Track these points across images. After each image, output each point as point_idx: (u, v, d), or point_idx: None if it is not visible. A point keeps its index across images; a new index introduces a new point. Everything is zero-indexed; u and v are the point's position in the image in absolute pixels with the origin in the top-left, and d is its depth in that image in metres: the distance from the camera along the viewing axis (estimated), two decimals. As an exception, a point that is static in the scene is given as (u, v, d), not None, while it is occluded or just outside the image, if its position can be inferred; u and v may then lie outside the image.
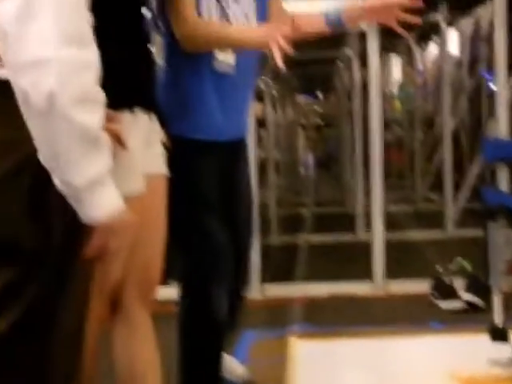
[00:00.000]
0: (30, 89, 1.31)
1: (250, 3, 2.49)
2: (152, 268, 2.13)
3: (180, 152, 2.34)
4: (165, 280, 2.42)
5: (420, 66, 9.23)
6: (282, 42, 2.24)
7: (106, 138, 1.39)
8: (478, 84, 7.75)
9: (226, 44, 2.43)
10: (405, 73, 10.36)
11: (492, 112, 5.50)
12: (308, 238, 6.61)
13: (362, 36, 5.42)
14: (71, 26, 1.33)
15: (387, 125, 9.39)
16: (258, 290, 4.56)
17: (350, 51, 7.37)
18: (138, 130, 1.99)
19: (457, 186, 6.79)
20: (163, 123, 2.15)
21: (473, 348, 3.41)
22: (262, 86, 6.96)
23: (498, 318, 3.26)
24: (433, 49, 9.11)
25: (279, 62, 2.25)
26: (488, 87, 7.53)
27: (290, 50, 2.25)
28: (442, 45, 7.03)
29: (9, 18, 1.32)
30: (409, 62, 9.46)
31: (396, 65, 11.11)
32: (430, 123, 8.98)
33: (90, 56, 1.35)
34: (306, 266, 5.53)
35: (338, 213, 7.95)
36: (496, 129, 4.61)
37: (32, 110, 1.33)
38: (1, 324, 1.37)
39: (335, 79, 9.70)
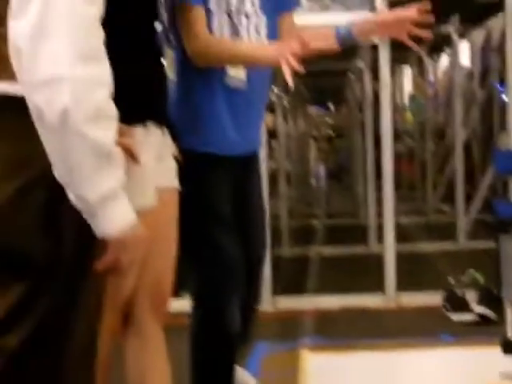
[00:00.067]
0: (44, 106, 1.32)
1: (260, 19, 2.50)
2: (164, 281, 2.13)
3: (191, 166, 2.35)
4: (177, 292, 2.43)
5: (431, 78, 9.24)
6: (292, 60, 2.26)
7: (119, 153, 1.40)
8: (489, 95, 7.74)
9: (237, 61, 2.44)
10: (416, 84, 10.36)
11: (504, 123, 5.49)
12: (319, 250, 6.60)
13: (374, 48, 5.43)
14: (85, 43, 1.34)
15: (398, 136, 9.40)
16: (269, 303, 4.56)
17: (361, 63, 7.39)
18: (151, 144, 2.00)
19: (468, 198, 6.78)
20: (175, 137, 2.16)
21: (485, 361, 3.40)
22: (274, 98, 6.98)
23: (510, 330, 3.25)
24: (444, 60, 9.11)
25: (289, 80, 2.27)
26: (500, 98, 7.53)
27: (299, 67, 2.26)
28: (454, 56, 7.04)
29: (23, 35, 1.33)
30: (420, 73, 9.46)
31: (407, 76, 11.11)
32: (441, 134, 8.98)
33: (103, 72, 1.37)
34: (318, 278, 5.53)
35: (349, 224, 7.95)
36: (508, 140, 4.61)
37: (46, 126, 1.34)
38: (13, 339, 1.38)
39: (346, 91, 9.71)
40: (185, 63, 2.45)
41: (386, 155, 4.77)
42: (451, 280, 4.47)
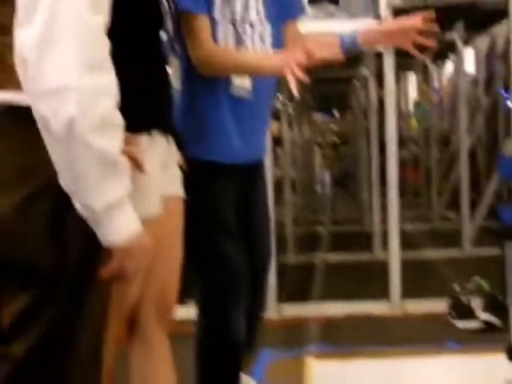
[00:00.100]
0: (50, 116, 1.33)
1: (265, 27, 2.51)
2: (169, 289, 2.14)
3: (196, 174, 2.35)
4: (182, 300, 2.43)
5: (436, 84, 9.24)
6: (297, 70, 2.26)
7: (124, 162, 1.40)
8: (494, 102, 7.74)
9: (242, 71, 2.45)
10: (421, 91, 10.36)
11: (509, 130, 5.49)
12: (324, 257, 6.60)
13: (378, 55, 5.44)
14: (91, 53, 1.35)
15: (403, 143, 9.39)
16: (274, 310, 4.55)
17: (366, 70, 7.39)
18: (156, 152, 2.00)
19: (473, 204, 6.77)
20: (180, 145, 2.17)
21: (490, 368, 3.40)
22: (279, 105, 6.99)
23: (515, 338, 3.24)
24: (449, 67, 9.11)
25: (294, 89, 2.28)
26: (504, 105, 7.53)
27: (304, 77, 2.27)
28: (458, 63, 7.04)
29: (29, 44, 1.34)
30: (425, 80, 9.46)
31: (412, 83, 11.11)
32: (446, 141, 8.97)
33: (109, 82, 1.37)
34: (323, 285, 5.53)
35: (354, 231, 7.95)
36: (513, 147, 4.60)
37: (52, 136, 1.34)
38: (19, 348, 1.39)
39: (351, 98, 9.71)
40: (190, 72, 2.45)
41: (391, 162, 4.77)
42: (456, 287, 4.46)
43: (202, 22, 2.40)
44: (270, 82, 2.59)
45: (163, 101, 2.09)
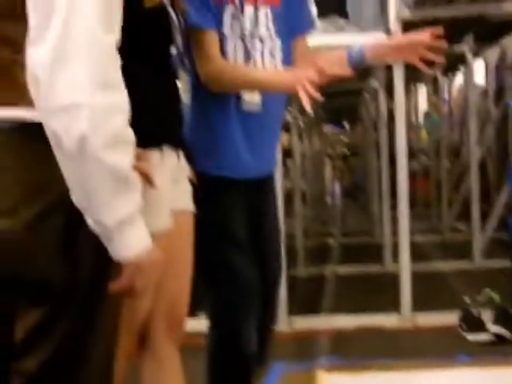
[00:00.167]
0: (62, 133, 1.34)
1: (275, 43, 2.51)
2: (179, 304, 2.15)
3: (206, 189, 2.36)
4: (193, 312, 2.43)
5: (446, 96, 9.23)
6: (309, 88, 2.27)
7: (136, 178, 1.42)
8: (504, 113, 7.74)
9: (252, 87, 2.45)
10: (431, 102, 10.35)
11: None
12: (335, 269, 6.60)
13: (388, 67, 5.44)
14: (103, 71, 1.36)
15: (413, 154, 9.38)
16: (285, 323, 4.55)
17: (375, 82, 7.40)
18: (166, 167, 2.02)
19: (484, 216, 6.76)
20: (190, 160, 2.18)
21: (501, 381, 3.39)
22: (289, 118, 6.99)
23: (526, 350, 3.24)
24: (459, 78, 9.11)
25: (307, 106, 2.28)
26: (515, 116, 7.52)
27: (318, 96, 2.28)
28: (468, 75, 7.04)
29: (42, 63, 1.35)
30: (435, 91, 9.46)
31: (422, 94, 11.10)
32: (456, 152, 8.96)
33: (121, 99, 1.39)
34: (333, 297, 5.52)
35: (365, 243, 7.94)
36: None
37: (64, 153, 1.36)
38: (31, 363, 1.40)
39: (361, 110, 9.71)
40: (199, 87, 2.46)
41: (401, 173, 4.77)
42: (467, 299, 4.45)
43: (211, 38, 2.41)
44: (280, 96, 2.59)
45: (173, 116, 2.10)
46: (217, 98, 2.46)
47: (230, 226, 2.51)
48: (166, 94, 2.06)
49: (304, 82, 2.28)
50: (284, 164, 6.52)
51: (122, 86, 1.39)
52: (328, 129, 13.00)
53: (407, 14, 4.79)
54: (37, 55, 1.36)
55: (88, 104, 1.34)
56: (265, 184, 2.63)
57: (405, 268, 4.71)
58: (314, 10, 4.58)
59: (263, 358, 2.73)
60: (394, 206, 5.45)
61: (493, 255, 6.33)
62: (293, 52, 2.59)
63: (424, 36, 2.46)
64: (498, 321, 4.18)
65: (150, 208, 1.61)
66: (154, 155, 1.96)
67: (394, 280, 4.86)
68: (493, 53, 8.07)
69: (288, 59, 2.55)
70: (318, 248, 7.75)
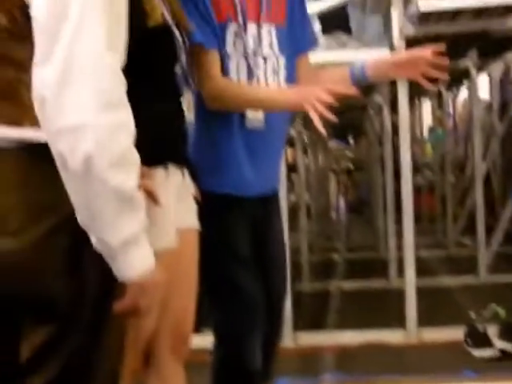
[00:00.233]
0: (67, 153, 1.35)
1: (279, 61, 2.52)
2: (184, 322, 2.15)
3: (210, 206, 2.37)
4: (198, 328, 2.44)
5: (450, 110, 9.24)
6: (320, 107, 2.27)
7: (140, 198, 1.43)
8: (508, 128, 7.74)
9: (255, 105, 2.45)
10: (435, 117, 10.36)
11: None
12: (340, 285, 6.58)
13: (392, 82, 5.45)
14: (108, 91, 1.37)
15: (418, 169, 9.38)
16: (290, 338, 4.55)
17: (379, 97, 7.41)
18: (171, 185, 2.02)
19: (489, 230, 6.75)
20: (194, 178, 2.19)
21: (507, 397, 3.38)
22: (293, 132, 7.00)
23: (531, 366, 3.23)
24: (463, 93, 9.13)
25: (320, 128, 2.28)
26: (519, 131, 7.52)
27: (330, 116, 2.26)
28: (472, 89, 7.05)
29: (48, 83, 1.36)
30: (439, 106, 9.47)
31: (426, 109, 11.11)
32: (461, 167, 8.96)
33: (126, 119, 1.40)
34: (338, 313, 5.51)
35: (370, 258, 7.92)
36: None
37: (69, 172, 1.37)
38: (38, 381, 1.40)
39: (366, 125, 9.73)
40: (203, 105, 2.47)
41: (406, 188, 4.77)
42: (472, 315, 4.44)
43: (213, 57, 2.42)
44: (283, 113, 2.60)
45: (178, 134, 2.11)
46: (220, 115, 2.47)
47: (234, 243, 2.51)
48: (171, 112, 2.07)
49: (313, 102, 2.28)
50: (289, 179, 6.51)
51: (126, 105, 1.40)
52: (333, 144, 13.01)
53: (411, 30, 4.80)
54: (43, 75, 1.37)
55: (93, 124, 1.34)
56: (269, 201, 2.64)
57: (410, 283, 4.70)
58: (317, 26, 4.60)
59: (268, 373, 2.73)
60: (398, 221, 5.44)
61: (498, 270, 6.31)
62: (296, 70, 2.59)
63: (425, 53, 2.46)
64: (503, 336, 4.16)
65: (155, 226, 1.61)
66: (158, 173, 1.97)
67: (399, 295, 4.85)
68: (497, 67, 8.08)
69: (292, 77, 2.55)
70: (323, 263, 7.74)
